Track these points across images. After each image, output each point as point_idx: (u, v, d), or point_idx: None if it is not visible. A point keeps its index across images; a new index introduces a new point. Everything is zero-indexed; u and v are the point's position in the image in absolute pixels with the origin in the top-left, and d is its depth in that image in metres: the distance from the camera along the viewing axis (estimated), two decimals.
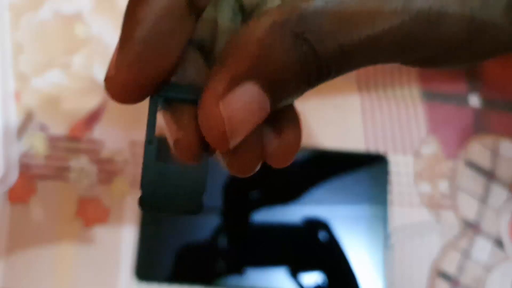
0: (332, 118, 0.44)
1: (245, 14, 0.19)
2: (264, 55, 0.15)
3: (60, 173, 0.42)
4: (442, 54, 0.17)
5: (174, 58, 0.16)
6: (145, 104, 0.17)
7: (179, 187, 0.17)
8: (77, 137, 0.42)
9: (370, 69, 0.45)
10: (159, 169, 0.17)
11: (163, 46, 0.15)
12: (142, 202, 0.17)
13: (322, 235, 0.41)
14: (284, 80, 0.16)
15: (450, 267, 0.42)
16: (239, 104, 0.15)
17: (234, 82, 0.15)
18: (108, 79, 0.16)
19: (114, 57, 0.16)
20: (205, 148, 0.17)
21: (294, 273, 0.40)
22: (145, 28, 0.15)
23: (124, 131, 0.42)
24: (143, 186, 0.17)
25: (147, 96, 0.16)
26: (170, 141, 0.17)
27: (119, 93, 0.16)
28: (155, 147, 0.17)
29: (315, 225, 0.41)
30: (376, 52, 0.16)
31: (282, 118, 0.18)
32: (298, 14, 0.15)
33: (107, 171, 0.42)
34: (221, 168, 0.18)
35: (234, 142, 0.16)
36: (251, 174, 0.18)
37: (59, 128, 0.42)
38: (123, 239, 0.41)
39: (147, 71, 0.15)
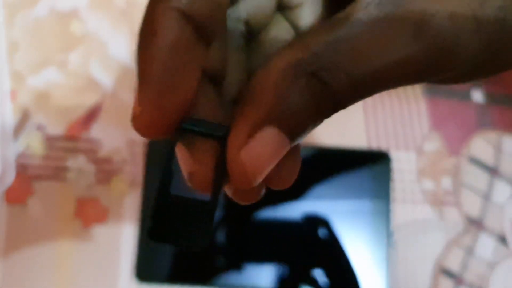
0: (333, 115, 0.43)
1: (252, 35, 0.19)
2: (281, 99, 0.16)
3: (57, 173, 0.41)
4: (458, 76, 0.17)
5: (193, 89, 0.16)
6: None
7: (188, 221, 0.17)
8: (75, 137, 0.42)
9: None
10: (171, 201, 0.17)
11: (180, 79, 0.16)
12: (152, 233, 0.17)
13: (324, 232, 0.41)
14: (302, 120, 0.16)
15: (453, 264, 0.41)
16: (260, 149, 0.16)
17: (254, 129, 0.16)
18: (135, 119, 0.16)
19: (136, 96, 0.16)
20: (218, 180, 0.17)
21: (296, 272, 0.40)
22: (158, 64, 0.15)
23: (122, 130, 0.42)
24: (154, 217, 0.17)
25: (173, 129, 0.17)
26: (184, 173, 0.18)
27: (147, 130, 0.16)
28: (170, 180, 0.17)
29: (318, 223, 0.41)
30: (391, 80, 0.16)
31: None
32: (310, 53, 0.16)
33: (105, 170, 0.41)
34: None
35: (256, 182, 0.17)
36: (255, 201, 0.20)
37: (56, 128, 0.42)
38: (122, 239, 0.40)
39: (169, 105, 0.16)
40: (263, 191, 0.20)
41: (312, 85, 0.16)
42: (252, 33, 0.19)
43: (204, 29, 0.16)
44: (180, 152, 0.18)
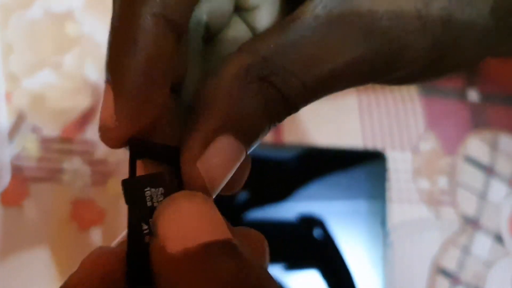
0: (329, 115, 0.43)
1: (210, 37, 0.19)
2: (234, 106, 0.15)
3: (53, 175, 0.41)
4: (410, 76, 0.17)
5: (167, 100, 0.15)
6: None
7: None
8: (70, 138, 0.42)
9: None
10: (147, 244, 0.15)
11: (157, 91, 0.15)
12: (134, 281, 0.15)
13: (320, 233, 0.41)
14: (256, 125, 0.16)
15: (450, 264, 0.41)
16: (217, 159, 0.15)
17: (208, 139, 0.15)
18: (107, 131, 0.15)
19: (109, 107, 0.15)
20: None
21: (292, 272, 0.40)
22: (138, 75, 0.15)
23: None
24: (131, 266, 0.15)
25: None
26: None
27: (117, 143, 0.15)
28: (144, 220, 0.15)
29: (313, 223, 0.41)
30: (340, 83, 0.16)
31: None
32: (259, 57, 0.16)
33: (101, 172, 0.41)
34: None
35: (215, 192, 0.16)
36: None
37: (51, 129, 0.42)
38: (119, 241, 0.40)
39: (146, 119, 0.15)
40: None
41: (264, 90, 0.16)
42: (210, 35, 0.18)
43: (182, 33, 0.15)
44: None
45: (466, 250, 0.42)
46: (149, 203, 0.15)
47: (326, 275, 0.40)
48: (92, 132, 0.42)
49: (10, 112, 0.42)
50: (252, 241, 0.18)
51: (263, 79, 0.15)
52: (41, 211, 0.41)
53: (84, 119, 0.42)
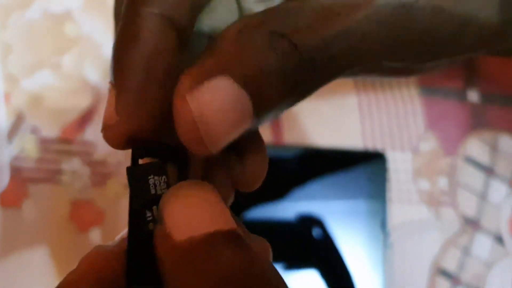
0: (329, 115, 0.43)
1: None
2: (238, 51, 0.14)
3: (52, 176, 0.41)
4: (426, 49, 0.16)
5: (169, 99, 0.15)
6: None
7: None
8: (69, 139, 0.41)
9: None
10: (149, 234, 0.15)
11: (160, 88, 0.15)
12: (133, 276, 0.15)
13: (320, 233, 0.41)
14: (264, 78, 0.14)
15: (450, 265, 0.41)
16: (211, 99, 0.14)
17: (204, 76, 0.14)
18: (108, 128, 0.15)
19: (111, 105, 0.15)
20: None
21: (292, 272, 0.40)
22: (140, 71, 0.15)
23: None
24: (132, 257, 0.15)
25: (144, 140, 0.16)
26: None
27: (120, 141, 0.15)
28: (147, 208, 0.15)
29: (313, 223, 0.41)
30: (359, 46, 0.15)
31: (245, 144, 0.18)
32: (272, 15, 0.15)
33: (100, 173, 0.41)
34: None
35: (214, 146, 0.14)
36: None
37: (50, 130, 0.42)
38: None
39: (148, 116, 0.15)
40: (232, 197, 0.18)
41: (276, 42, 0.14)
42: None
43: (184, 36, 0.15)
44: None
45: (466, 251, 0.42)
46: (152, 191, 0.15)
47: (326, 275, 0.40)
48: (91, 133, 0.42)
49: (9, 113, 0.42)
50: (258, 244, 0.17)
51: (276, 32, 0.14)
52: (40, 212, 0.41)
53: (83, 119, 0.42)
